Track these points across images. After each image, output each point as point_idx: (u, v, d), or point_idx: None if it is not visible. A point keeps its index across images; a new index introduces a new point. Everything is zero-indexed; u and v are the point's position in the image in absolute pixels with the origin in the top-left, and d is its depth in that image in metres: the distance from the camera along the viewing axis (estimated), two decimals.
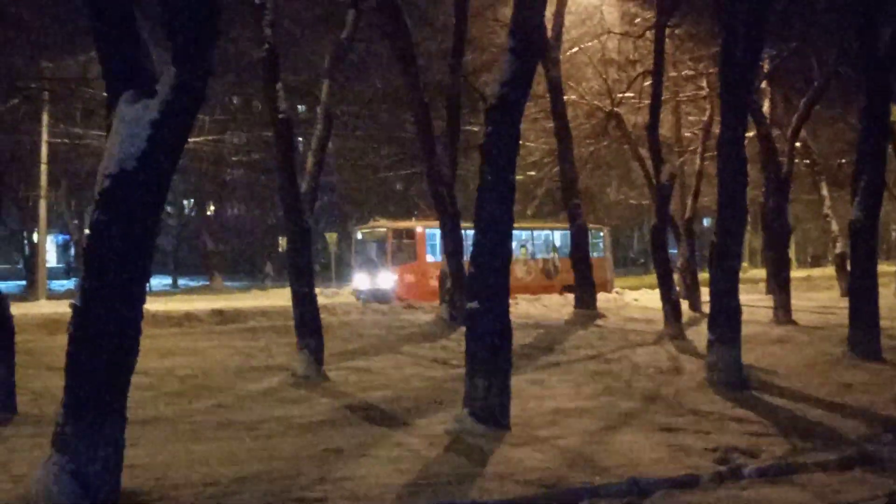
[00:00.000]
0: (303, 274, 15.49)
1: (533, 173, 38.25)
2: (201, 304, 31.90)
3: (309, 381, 14.63)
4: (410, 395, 13.52)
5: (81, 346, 7.32)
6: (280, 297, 30.89)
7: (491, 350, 10.51)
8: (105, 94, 8.01)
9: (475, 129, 30.49)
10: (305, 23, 28.36)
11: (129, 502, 7.47)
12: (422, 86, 23.59)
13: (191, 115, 7.74)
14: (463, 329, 11.67)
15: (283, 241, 33.03)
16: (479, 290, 10.69)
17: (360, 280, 37.35)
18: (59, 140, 38.10)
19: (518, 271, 37.35)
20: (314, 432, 10.68)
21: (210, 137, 40.24)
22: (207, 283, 51.64)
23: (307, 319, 15.28)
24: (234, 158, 48.07)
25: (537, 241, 41.13)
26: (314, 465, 8.84)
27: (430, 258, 36.12)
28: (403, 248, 36.92)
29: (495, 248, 10.70)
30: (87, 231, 7.78)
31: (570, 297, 29.71)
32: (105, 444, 7.26)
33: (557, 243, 40.76)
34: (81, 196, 48.65)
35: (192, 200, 58.38)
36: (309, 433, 10.63)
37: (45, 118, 37.58)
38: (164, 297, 31.67)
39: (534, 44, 11.17)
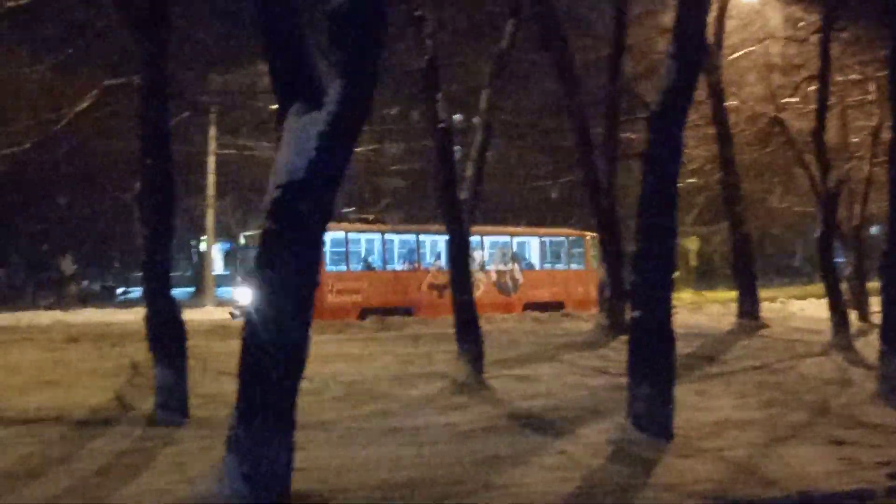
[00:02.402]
0: (462, 282, 15.60)
1: (693, 180, 37.55)
2: None
3: (469, 388, 14.67)
4: (571, 403, 13.42)
5: (253, 351, 7.53)
6: None
7: (654, 359, 10.39)
8: (271, 106, 8.27)
9: (632, 136, 30.19)
10: (464, 33, 28.59)
11: None
12: (580, 94, 23.51)
13: (357, 126, 7.89)
14: (623, 337, 11.57)
15: None
16: (642, 298, 10.59)
17: (242, 295, 29.84)
18: (226, 151, 39.37)
19: None
20: (476, 439, 10.72)
21: (369, 147, 40.98)
22: None
23: (467, 326, 15.38)
24: (392, 168, 48.77)
25: (490, 249, 34.65)
26: (477, 472, 8.89)
27: (329, 268, 29.86)
28: None
29: (658, 257, 10.57)
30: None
31: (733, 306, 28.70)
32: (276, 446, 7.45)
33: (519, 252, 35.37)
34: (247, 206, 50.01)
35: (353, 209, 59.40)
36: (471, 440, 10.68)
37: (212, 130, 38.92)
38: None
39: (696, 50, 11.02)
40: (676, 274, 11.70)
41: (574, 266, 36.08)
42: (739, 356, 19.47)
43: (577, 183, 33.81)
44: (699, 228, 50.42)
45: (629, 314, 11.01)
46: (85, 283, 52.12)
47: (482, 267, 33.30)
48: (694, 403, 13.03)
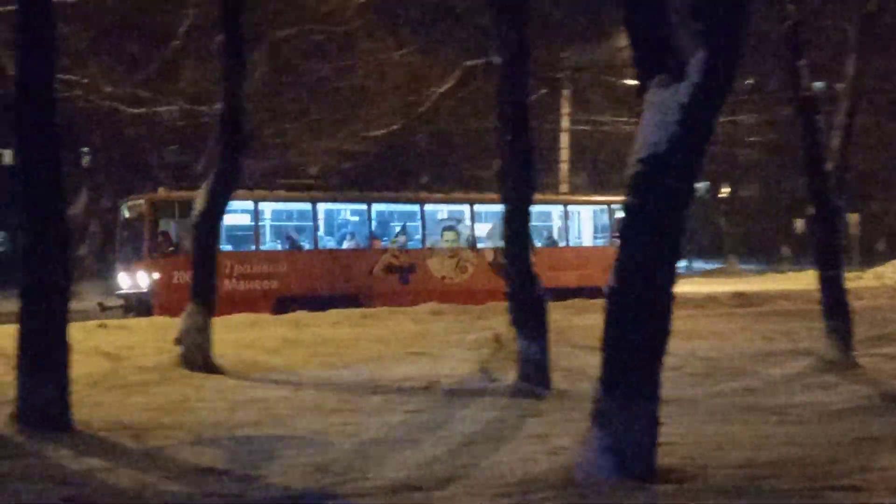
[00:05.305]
0: (830, 256, 14.97)
1: None
2: (718, 286, 31.86)
3: (837, 366, 14.05)
4: None
5: (618, 325, 7.55)
6: (798, 281, 30.08)
7: None
8: (625, 81, 8.25)
9: None
10: None
11: (662, 479, 7.59)
12: None
13: (720, 99, 7.72)
14: None
15: (798, 224, 30.80)
16: None
17: (124, 280, 24.41)
18: (580, 127, 39.78)
19: (435, 267, 26.58)
20: (847, 419, 10.28)
21: (723, 119, 40.16)
22: (721, 265, 51.43)
23: (835, 303, 14.73)
24: (747, 139, 47.59)
25: (483, 220, 27.89)
26: (850, 453, 8.48)
27: (226, 247, 22.45)
28: (174, 232, 23.56)
29: None
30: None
31: None
32: (640, 420, 7.44)
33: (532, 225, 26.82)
34: (601, 181, 50.34)
35: (707, 182, 58.49)
36: (841, 420, 10.25)
37: (565, 106, 39.43)
38: (680, 280, 31.79)
39: None
40: None
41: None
42: None
43: None
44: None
45: None
46: None
47: (471, 244, 27.39)
48: None
